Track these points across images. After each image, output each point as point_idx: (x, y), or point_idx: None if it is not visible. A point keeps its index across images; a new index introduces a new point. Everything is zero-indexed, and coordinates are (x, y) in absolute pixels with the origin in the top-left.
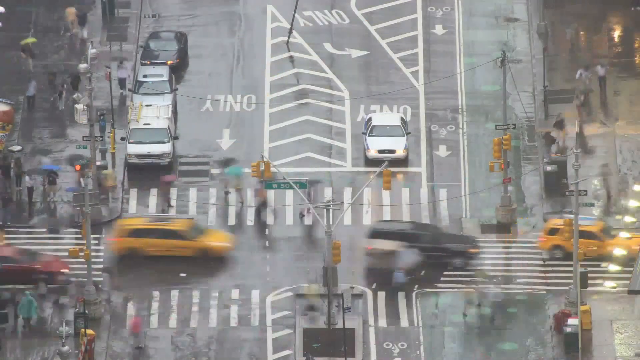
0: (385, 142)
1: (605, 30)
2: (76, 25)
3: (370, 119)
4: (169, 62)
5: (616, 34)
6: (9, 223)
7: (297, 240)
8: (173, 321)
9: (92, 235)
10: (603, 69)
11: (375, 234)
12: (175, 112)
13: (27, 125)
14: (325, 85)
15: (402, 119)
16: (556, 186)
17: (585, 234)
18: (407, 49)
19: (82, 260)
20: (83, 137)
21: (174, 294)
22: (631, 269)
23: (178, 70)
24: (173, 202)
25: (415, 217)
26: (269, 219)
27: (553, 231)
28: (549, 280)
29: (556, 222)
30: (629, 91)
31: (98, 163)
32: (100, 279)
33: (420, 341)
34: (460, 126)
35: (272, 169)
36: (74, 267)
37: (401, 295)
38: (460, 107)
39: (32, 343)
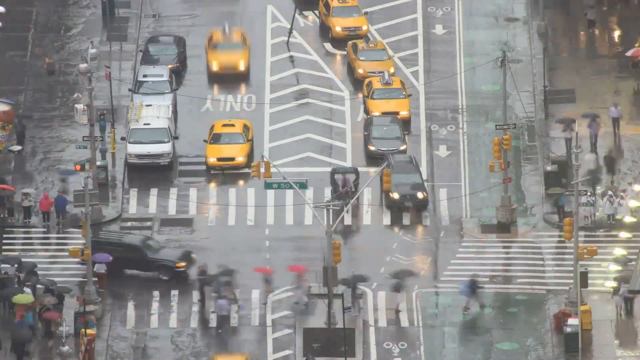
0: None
1: (605, 30)
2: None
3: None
4: (169, 67)
5: (616, 34)
6: None
7: (297, 240)
8: (173, 321)
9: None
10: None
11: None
12: (175, 112)
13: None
14: (325, 85)
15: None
16: (556, 186)
17: None
18: (407, 49)
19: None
20: (83, 137)
21: (174, 293)
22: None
23: (178, 71)
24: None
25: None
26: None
27: None
28: (549, 280)
29: None
30: (629, 91)
31: (98, 163)
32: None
33: (420, 341)
34: (460, 126)
35: (272, 169)
36: (73, 267)
37: (401, 296)
38: (460, 107)
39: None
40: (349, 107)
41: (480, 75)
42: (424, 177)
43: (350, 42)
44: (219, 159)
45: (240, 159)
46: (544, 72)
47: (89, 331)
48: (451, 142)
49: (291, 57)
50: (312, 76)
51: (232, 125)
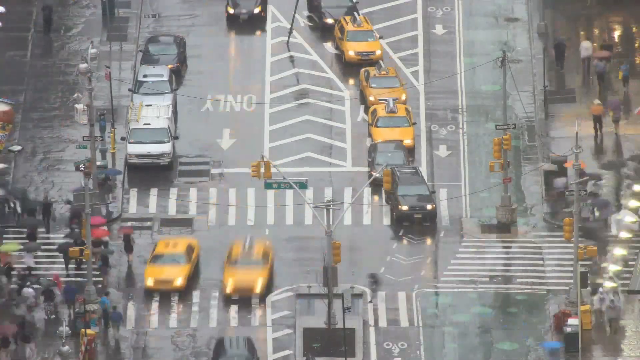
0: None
1: (605, 30)
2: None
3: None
4: (169, 67)
5: (616, 34)
6: None
7: (297, 240)
8: (173, 321)
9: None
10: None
11: None
12: (175, 112)
13: (27, 125)
14: (325, 85)
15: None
16: (556, 186)
17: None
18: (407, 49)
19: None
20: (83, 137)
21: (174, 293)
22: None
23: (178, 71)
24: None
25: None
26: (269, 219)
27: None
28: (549, 280)
29: None
30: (629, 91)
31: (98, 163)
32: (100, 278)
33: (420, 341)
34: (460, 126)
35: (272, 169)
36: (72, 267)
37: (401, 295)
38: (460, 107)
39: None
40: (349, 107)
41: (480, 75)
42: (429, 186)
43: (362, 70)
44: (157, 281)
45: (179, 282)
46: (544, 72)
47: (89, 331)
48: (451, 142)
49: (291, 57)
50: (312, 76)
51: (175, 244)
